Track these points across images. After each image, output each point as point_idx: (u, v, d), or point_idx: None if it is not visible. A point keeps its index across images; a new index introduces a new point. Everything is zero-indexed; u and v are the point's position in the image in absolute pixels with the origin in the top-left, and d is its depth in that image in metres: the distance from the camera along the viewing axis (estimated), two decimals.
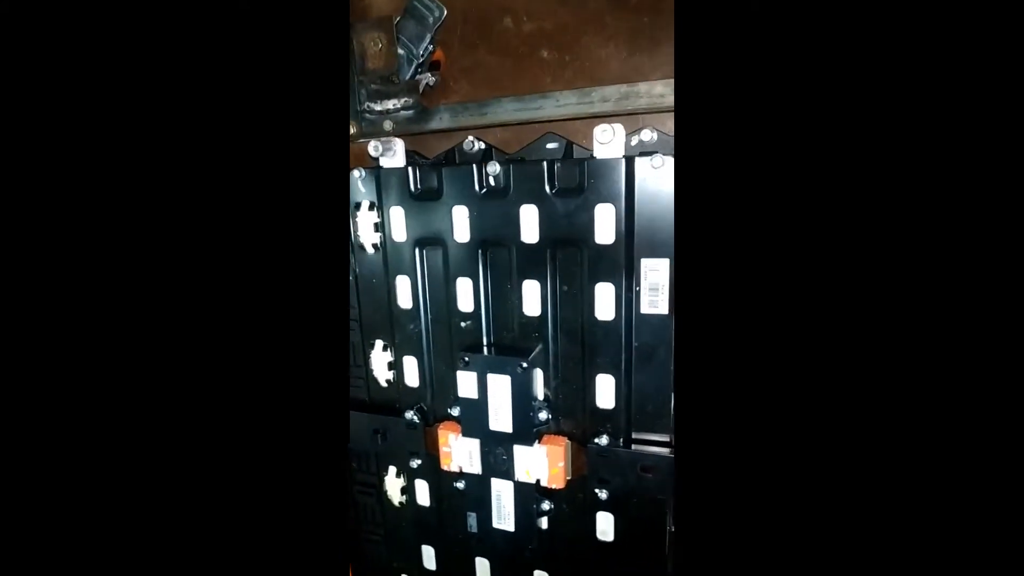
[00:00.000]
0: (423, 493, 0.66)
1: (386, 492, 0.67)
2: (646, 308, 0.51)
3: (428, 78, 0.67)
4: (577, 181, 0.51)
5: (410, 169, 0.57)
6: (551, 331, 0.55)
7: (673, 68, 0.59)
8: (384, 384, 0.64)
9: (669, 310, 0.51)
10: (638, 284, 0.51)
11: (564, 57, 0.65)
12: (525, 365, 0.54)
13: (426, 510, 0.66)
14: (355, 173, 0.59)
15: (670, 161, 0.48)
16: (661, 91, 0.53)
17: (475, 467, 0.58)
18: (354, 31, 0.64)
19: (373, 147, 0.57)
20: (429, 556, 0.68)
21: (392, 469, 0.67)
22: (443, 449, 0.60)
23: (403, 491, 0.67)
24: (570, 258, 0.53)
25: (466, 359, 0.56)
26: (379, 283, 0.61)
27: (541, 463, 0.56)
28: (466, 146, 0.60)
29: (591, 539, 0.59)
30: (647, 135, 0.52)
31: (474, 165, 0.54)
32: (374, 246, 0.60)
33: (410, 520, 0.68)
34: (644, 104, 0.54)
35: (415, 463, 0.63)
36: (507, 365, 0.55)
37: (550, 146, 0.57)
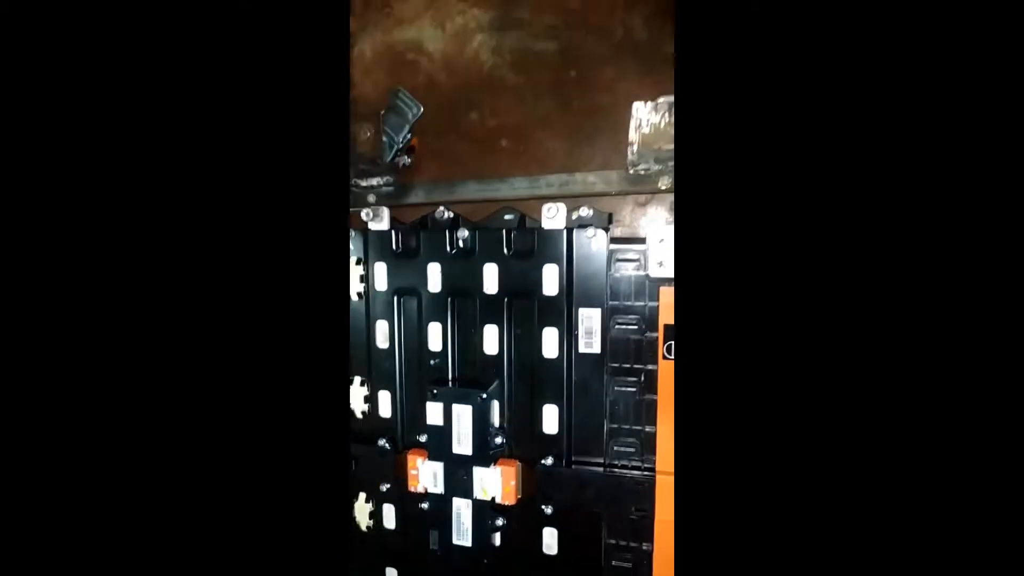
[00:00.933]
0: (390, 517, 0.73)
1: (355, 517, 0.74)
2: (583, 348, 0.63)
3: (405, 159, 0.80)
4: (529, 246, 0.64)
5: (393, 232, 0.69)
6: (507, 367, 0.66)
7: (604, 159, 0.74)
8: (359, 416, 0.73)
9: (601, 350, 0.63)
10: (576, 329, 0.63)
11: (519, 147, 0.80)
12: (484, 396, 0.65)
13: (391, 533, 0.73)
14: (352, 234, 0.70)
15: (601, 233, 0.62)
16: (593, 180, 0.68)
17: (439, 487, 0.67)
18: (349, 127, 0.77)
19: (364, 214, 0.69)
20: None
21: (362, 495, 0.74)
22: (411, 472, 0.68)
23: (371, 515, 0.74)
24: (522, 307, 0.65)
25: (434, 391, 0.66)
26: (360, 327, 0.71)
27: (496, 482, 0.65)
28: (437, 215, 0.73)
29: (538, 554, 0.67)
30: (584, 211, 0.66)
31: (447, 230, 0.67)
32: (359, 295, 0.70)
33: (376, 543, 0.74)
34: (579, 189, 0.68)
35: (384, 487, 0.71)
36: (469, 396, 0.65)
37: (507, 217, 0.70)
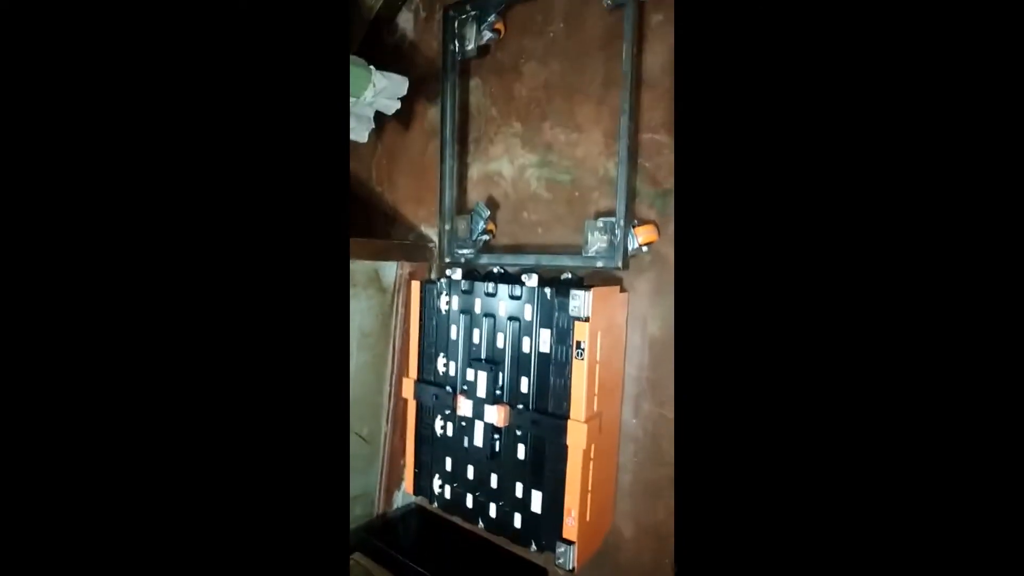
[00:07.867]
0: (449, 429, 1.36)
1: (435, 428, 1.39)
2: (542, 348, 1.19)
3: (483, 237, 1.44)
4: (520, 294, 1.23)
5: (462, 281, 1.33)
6: (507, 355, 1.25)
7: (570, 242, 1.28)
8: (441, 373, 1.38)
9: (549, 350, 1.18)
10: (539, 338, 1.19)
11: (548, 232, 1.39)
12: (494, 367, 1.24)
13: (449, 438, 1.36)
14: (442, 280, 1.37)
15: (550, 290, 1.18)
16: (565, 260, 1.24)
17: (470, 414, 1.29)
18: (455, 220, 1.45)
19: (449, 271, 1.34)
20: (448, 462, 1.37)
21: (439, 416, 1.39)
22: (458, 405, 1.31)
23: (441, 428, 1.38)
24: (515, 326, 1.23)
25: (471, 363, 1.28)
26: (443, 327, 1.36)
27: (496, 414, 1.24)
28: (495, 270, 1.35)
29: (515, 457, 1.24)
30: (566, 275, 1.22)
31: (486, 282, 1.29)
32: (445, 311, 1.36)
33: (442, 442, 1.38)
34: (560, 263, 1.25)
35: (447, 411, 1.35)
36: (487, 367, 1.25)
37: (523, 275, 1.29)
